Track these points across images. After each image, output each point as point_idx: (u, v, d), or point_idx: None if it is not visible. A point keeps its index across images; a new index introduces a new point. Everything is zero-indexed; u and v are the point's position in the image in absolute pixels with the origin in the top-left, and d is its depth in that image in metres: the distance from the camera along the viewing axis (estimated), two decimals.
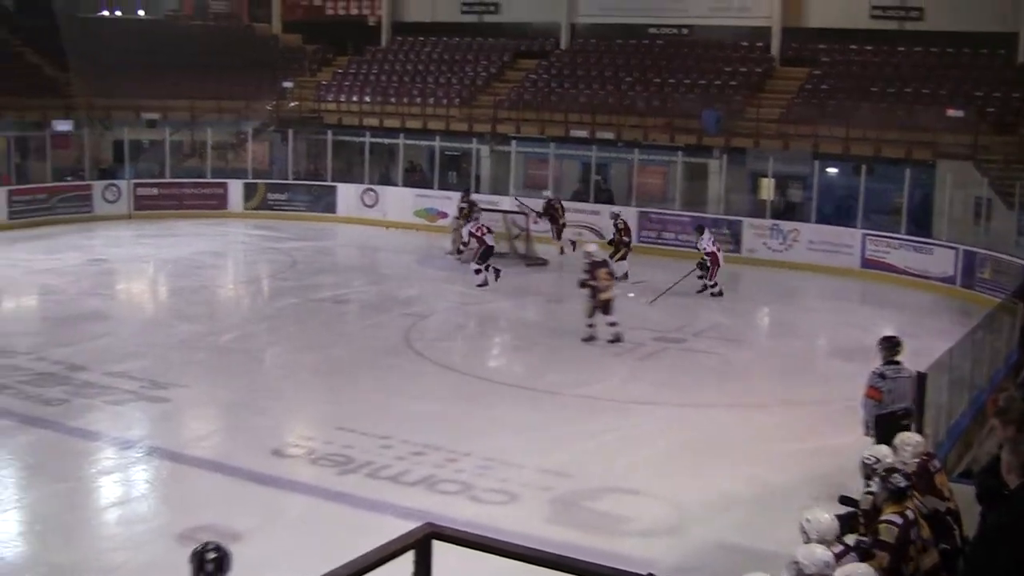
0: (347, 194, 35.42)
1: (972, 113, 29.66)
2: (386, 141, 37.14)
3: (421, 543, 5.53)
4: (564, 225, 30.80)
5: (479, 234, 26.36)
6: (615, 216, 28.11)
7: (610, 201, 33.02)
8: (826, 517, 8.63)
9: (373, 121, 37.50)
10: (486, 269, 26.22)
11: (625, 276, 26.55)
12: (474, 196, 30.94)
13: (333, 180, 36.48)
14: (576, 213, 31.83)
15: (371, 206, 34.83)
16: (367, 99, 38.39)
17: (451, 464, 14.24)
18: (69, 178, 35.25)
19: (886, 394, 13.12)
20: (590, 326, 20.90)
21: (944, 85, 31.74)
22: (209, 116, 37.90)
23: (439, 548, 5.44)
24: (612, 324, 20.75)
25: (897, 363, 13.31)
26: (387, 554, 5.38)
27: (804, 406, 17.60)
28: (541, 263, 28.68)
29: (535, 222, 30.00)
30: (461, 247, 28.76)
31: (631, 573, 4.89)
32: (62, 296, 24.73)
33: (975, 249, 26.66)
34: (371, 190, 35.49)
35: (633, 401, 17.57)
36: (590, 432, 15.96)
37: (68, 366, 18.65)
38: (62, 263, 27.63)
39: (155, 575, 11.38)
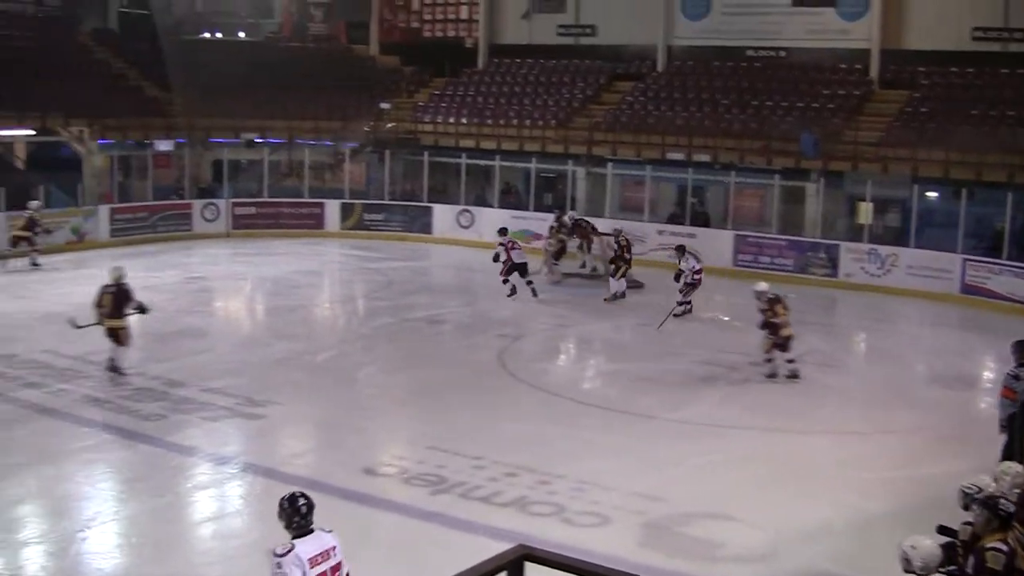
0: (443, 215, 35.61)
1: None
2: (482, 162, 37.27)
3: (514, 564, 5.55)
4: (592, 242, 30.84)
5: (508, 248, 26.92)
6: (617, 233, 27.95)
7: (706, 224, 32.88)
8: (930, 543, 8.53)
9: (469, 142, 37.67)
10: (528, 284, 26.89)
11: (623, 295, 26.67)
12: (567, 216, 30.93)
13: (429, 201, 36.66)
14: (671, 236, 31.72)
15: (467, 227, 34.98)
16: (463, 120, 38.59)
17: (543, 486, 14.23)
18: (174, 196, 35.78)
19: (1020, 393, 13.53)
20: (769, 361, 20.06)
21: None
22: (307, 136, 38.36)
23: (532, 570, 5.45)
24: (790, 361, 20.00)
25: None
26: (480, 574, 5.40)
27: (900, 433, 17.38)
28: (637, 285, 28.56)
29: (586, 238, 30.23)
30: (551, 266, 28.84)
31: None
32: (161, 313, 24.97)
33: None
34: (467, 211, 35.62)
35: (727, 425, 17.43)
36: (683, 456, 15.88)
37: (166, 382, 18.93)
38: (161, 280, 28.02)
39: None
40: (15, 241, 30.75)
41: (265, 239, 34.76)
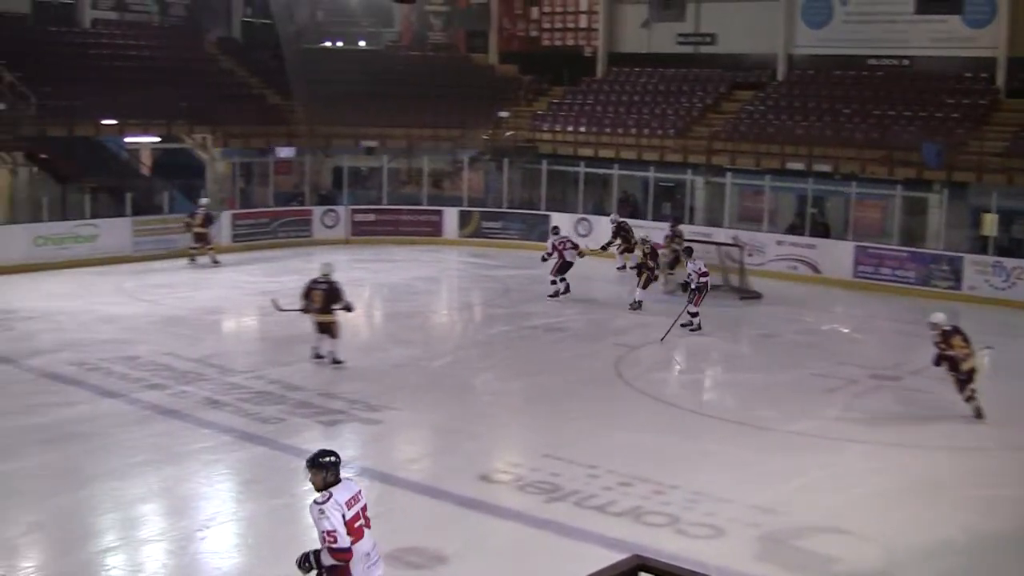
0: (560, 223, 35.54)
1: None
2: (600, 171, 37.24)
3: (629, 574, 5.51)
4: (634, 244, 30.73)
5: (560, 248, 27.50)
6: (643, 241, 27.84)
7: (826, 235, 32.51)
8: None
9: (588, 151, 37.65)
10: (561, 282, 27.67)
11: (639, 304, 26.50)
12: (682, 227, 30.84)
13: (547, 209, 36.71)
14: (791, 247, 31.51)
15: (584, 235, 34.90)
16: (582, 129, 38.58)
17: (658, 496, 14.15)
18: (295, 203, 36.18)
19: None
20: (969, 400, 18.09)
21: None
22: (426, 144, 38.67)
23: None
24: (969, 398, 18.15)
25: None
26: None
27: None
28: (755, 296, 28.36)
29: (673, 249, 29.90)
30: (666, 276, 28.76)
31: None
32: (281, 317, 25.31)
33: None
34: (584, 219, 35.59)
35: (846, 439, 17.20)
36: (801, 469, 15.70)
37: (284, 385, 19.17)
38: (281, 285, 28.29)
39: None
40: (197, 238, 32.13)
41: (384, 246, 35.04)
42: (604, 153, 37.37)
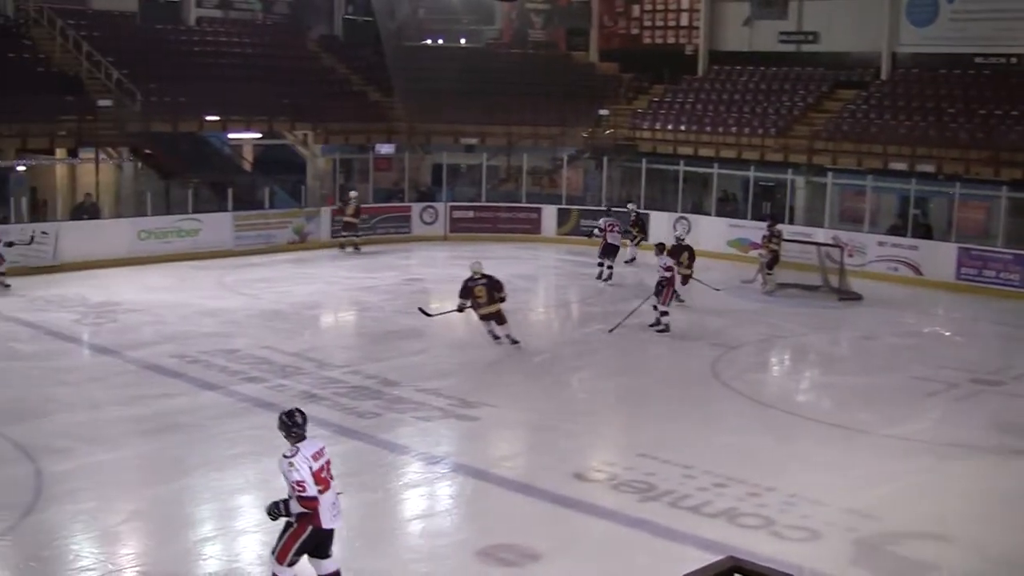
0: (659, 222, 35.42)
1: None
2: (700, 170, 37.01)
3: None
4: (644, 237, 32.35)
5: (607, 230, 29.25)
6: (680, 237, 28.10)
7: (928, 236, 32.02)
8: None
9: (687, 150, 37.46)
10: (606, 267, 29.65)
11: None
12: (781, 226, 30.52)
13: (646, 208, 36.57)
14: (892, 248, 31.12)
15: (683, 235, 34.69)
16: (682, 127, 38.38)
17: (753, 498, 14.03)
18: (399, 197, 36.34)
19: None
20: None
21: None
22: (525, 142, 38.69)
23: None
24: None
25: None
26: None
27: None
28: (855, 297, 28.04)
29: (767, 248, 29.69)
30: (765, 276, 28.56)
31: None
32: (378, 313, 25.58)
33: None
34: (684, 219, 35.39)
35: (946, 444, 16.91)
36: (900, 473, 15.47)
37: (381, 381, 19.27)
38: (379, 281, 28.58)
39: None
40: (347, 227, 33.55)
41: (482, 243, 35.11)
42: (704, 152, 37.16)
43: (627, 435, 17.28)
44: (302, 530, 10.54)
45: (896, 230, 32.97)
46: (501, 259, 31.77)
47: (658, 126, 38.97)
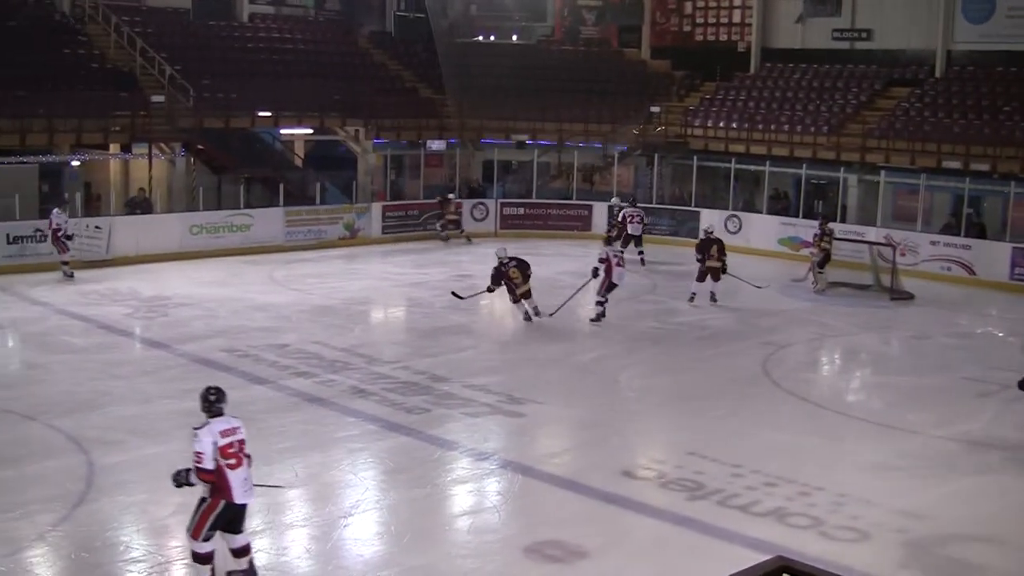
0: (710, 220, 35.27)
1: None
2: (751, 168, 36.87)
3: None
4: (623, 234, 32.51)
5: (629, 220, 31.44)
6: (709, 230, 28.03)
7: (982, 236, 31.72)
8: None
9: (739, 147, 37.29)
10: (637, 253, 31.45)
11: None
12: (833, 225, 30.28)
13: (696, 205, 36.48)
14: (945, 247, 30.88)
15: (734, 232, 34.57)
16: (734, 125, 38.19)
17: (803, 497, 13.96)
18: (439, 198, 36.40)
19: None
20: None
21: None
22: (576, 139, 38.65)
23: None
24: None
25: None
26: None
27: None
28: (907, 297, 27.85)
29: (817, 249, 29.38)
30: (816, 275, 28.40)
31: None
32: (428, 309, 25.63)
33: None
34: (735, 216, 35.29)
35: (997, 446, 16.74)
36: (950, 475, 15.35)
37: (430, 376, 19.32)
38: (429, 277, 28.66)
39: None
40: (452, 224, 35.15)
41: (532, 239, 35.09)
42: (756, 150, 36.97)
43: (676, 433, 17.22)
44: (215, 504, 10.87)
45: (949, 229, 32.69)
46: (550, 256, 31.85)
47: (710, 124, 38.79)
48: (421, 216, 35.84)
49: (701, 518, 13.34)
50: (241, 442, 11.01)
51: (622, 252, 25.81)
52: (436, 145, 38.84)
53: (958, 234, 31.87)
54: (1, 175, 29.61)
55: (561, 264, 31.21)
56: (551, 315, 24.15)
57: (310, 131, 37.04)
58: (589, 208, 37.36)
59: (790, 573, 5.64)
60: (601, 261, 24.52)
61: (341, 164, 37.64)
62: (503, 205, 37.33)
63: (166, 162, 34.00)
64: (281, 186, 33.21)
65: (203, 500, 10.92)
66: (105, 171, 34.56)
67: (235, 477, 10.83)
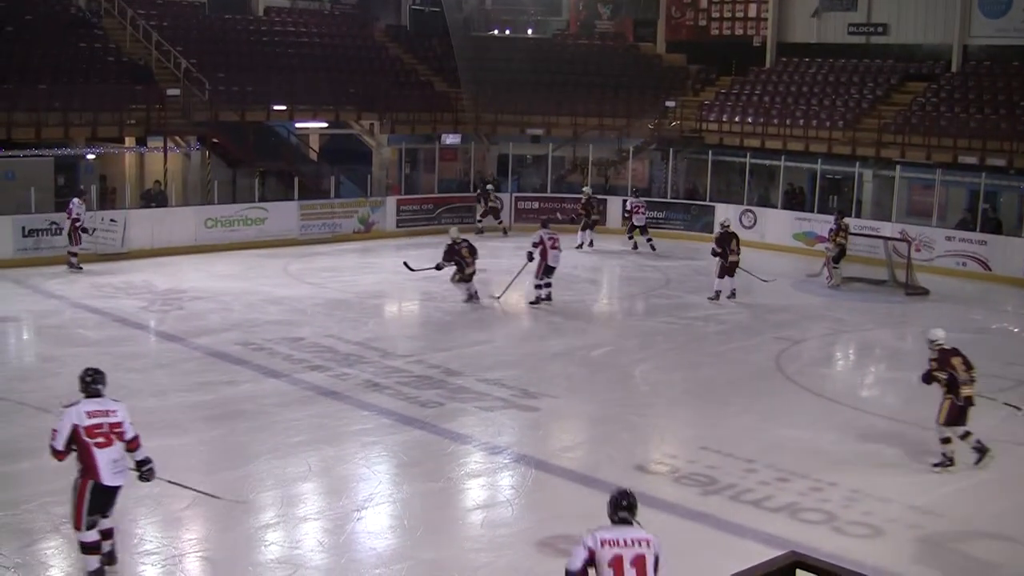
0: (725, 215, 35.25)
1: None
2: (766, 162, 36.83)
3: (786, 571, 5.46)
4: (596, 222, 34.30)
5: (633, 211, 32.73)
6: (726, 224, 27.85)
7: (998, 231, 31.62)
8: None
9: (754, 142, 37.24)
10: (646, 240, 32.87)
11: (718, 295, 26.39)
12: (848, 220, 30.17)
13: (711, 200, 36.44)
14: (960, 243, 30.79)
15: (749, 227, 34.52)
16: (749, 120, 38.13)
17: (816, 493, 13.96)
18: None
19: None
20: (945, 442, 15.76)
21: None
22: (591, 133, 38.60)
23: None
24: (965, 435, 15.45)
25: None
26: None
27: None
28: (922, 292, 27.79)
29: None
30: (831, 270, 28.34)
31: None
32: (442, 303, 25.62)
33: None
34: (750, 211, 35.25)
35: (1012, 442, 16.62)
36: (963, 471, 15.28)
37: (444, 370, 19.35)
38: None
39: None
40: (492, 213, 35.65)
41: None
42: (771, 144, 36.90)
43: (689, 428, 17.22)
44: (84, 487, 10.96)
45: (965, 224, 32.58)
46: (565, 250, 31.75)
47: (725, 118, 38.73)
48: (435, 210, 35.83)
49: (714, 513, 13.37)
50: (113, 424, 11.07)
51: (557, 236, 26.07)
52: (451, 139, 38.87)
53: (974, 229, 31.77)
54: (17, 168, 29.73)
55: (576, 258, 31.19)
56: (497, 297, 25.57)
57: (325, 125, 37.12)
58: (604, 202, 37.27)
59: (803, 568, 5.65)
60: (535, 245, 25.35)
61: (356, 158, 37.69)
62: (518, 199, 37.34)
63: (181, 155, 34.09)
64: (296, 180, 33.27)
65: (74, 489, 11.02)
66: (120, 164, 34.65)
67: (102, 457, 10.93)
